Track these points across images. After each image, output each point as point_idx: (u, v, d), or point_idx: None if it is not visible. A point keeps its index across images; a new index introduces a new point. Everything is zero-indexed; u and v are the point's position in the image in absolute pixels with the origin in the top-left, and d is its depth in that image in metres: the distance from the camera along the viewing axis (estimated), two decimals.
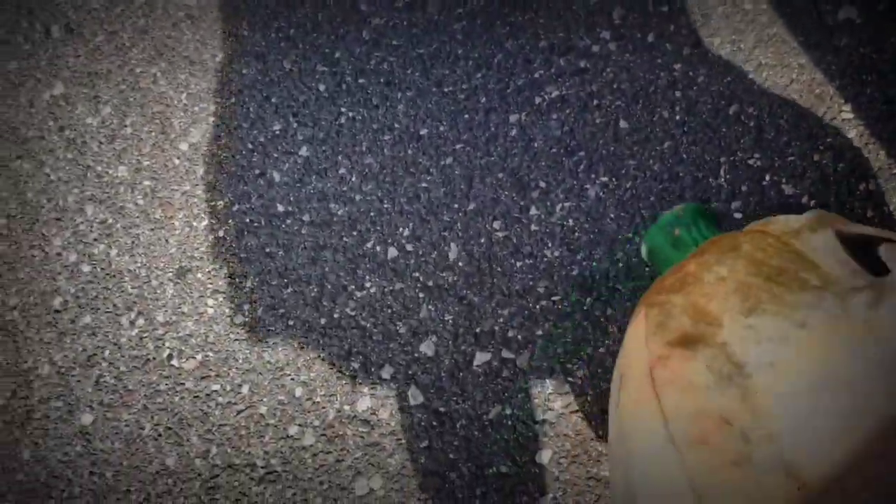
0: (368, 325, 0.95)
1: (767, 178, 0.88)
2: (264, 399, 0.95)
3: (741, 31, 0.95)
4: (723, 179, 0.90)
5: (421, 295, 0.94)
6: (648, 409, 0.56)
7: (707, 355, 0.54)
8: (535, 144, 0.97)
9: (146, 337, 1.00)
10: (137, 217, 1.06)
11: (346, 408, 0.92)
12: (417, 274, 0.95)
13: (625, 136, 0.95)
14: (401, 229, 0.97)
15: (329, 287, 0.97)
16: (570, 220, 0.93)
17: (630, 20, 0.98)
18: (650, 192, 0.92)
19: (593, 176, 0.94)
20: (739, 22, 0.95)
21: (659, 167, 0.93)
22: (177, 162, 1.08)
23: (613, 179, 0.93)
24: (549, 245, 0.93)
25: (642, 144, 0.94)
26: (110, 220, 1.07)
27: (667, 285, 0.63)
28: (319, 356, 0.95)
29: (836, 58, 0.91)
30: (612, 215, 0.92)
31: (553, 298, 0.91)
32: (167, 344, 0.99)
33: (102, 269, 1.04)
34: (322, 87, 1.06)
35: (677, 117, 0.94)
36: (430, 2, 1.06)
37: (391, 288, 0.95)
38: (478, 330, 0.91)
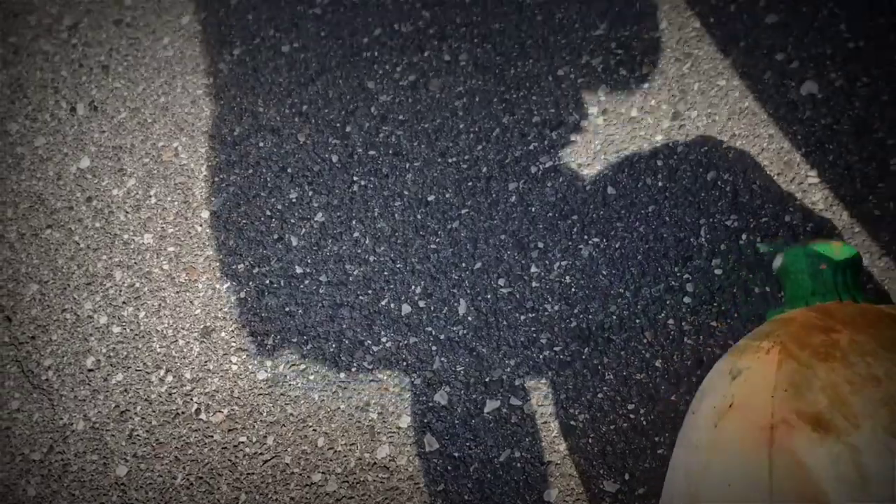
0: (385, 378, 1.03)
1: (744, 237, 0.99)
2: (289, 449, 1.02)
3: (716, 105, 1.06)
4: (703, 239, 1.00)
5: (434, 348, 1.03)
6: (755, 464, 0.55)
7: (835, 451, 0.52)
8: (533, 209, 1.06)
9: (175, 393, 1.07)
10: (163, 281, 1.14)
11: (366, 455, 1.00)
12: (430, 328, 1.04)
13: (612, 201, 1.05)
14: (413, 287, 1.06)
15: (347, 343, 1.05)
16: (567, 277, 1.02)
17: (614, 97, 1.10)
18: (637, 252, 1.02)
19: (586, 237, 1.04)
20: (714, 96, 1.07)
21: (644, 229, 1.03)
22: (199, 229, 1.16)
23: (604, 240, 1.03)
24: (550, 300, 1.02)
25: (628, 208, 1.04)
26: (138, 285, 1.14)
27: (812, 343, 0.61)
28: (340, 408, 1.03)
29: (802, 128, 1.02)
30: (604, 272, 1.02)
31: (555, 349, 1.00)
32: (195, 399, 1.06)
33: (132, 329, 1.12)
34: (335, 158, 1.16)
35: (660, 183, 1.04)
36: (432, 81, 1.16)
37: (406, 342, 1.04)
38: (487, 379, 1.00)
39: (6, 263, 1.19)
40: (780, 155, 1.02)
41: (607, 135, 1.08)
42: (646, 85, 1.09)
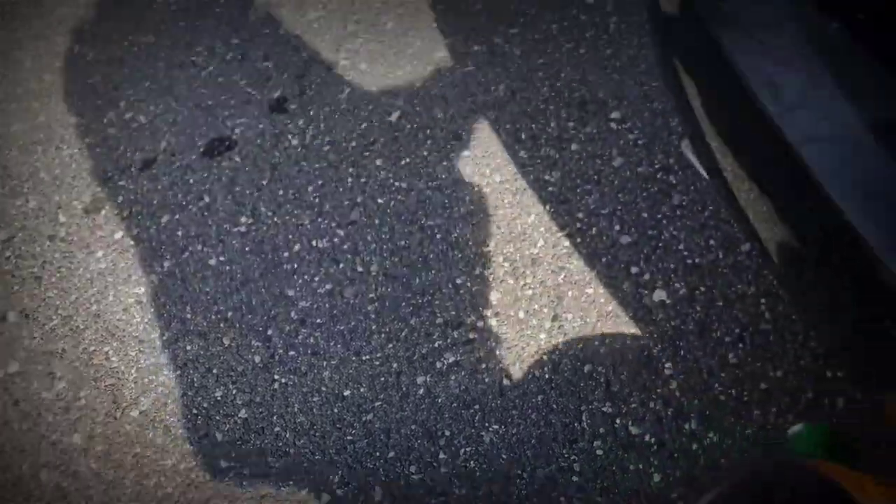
0: None
1: (618, 421, 1.16)
2: None
3: (586, 309, 1.27)
4: (585, 423, 1.17)
5: None
6: None
7: None
8: (440, 400, 1.21)
9: None
10: (91, 480, 1.20)
11: None
12: None
13: (508, 391, 1.21)
14: (331, 477, 1.17)
15: None
16: (472, 462, 1.16)
17: (504, 301, 1.29)
18: (531, 436, 1.17)
19: (486, 424, 1.19)
20: (584, 302, 1.28)
21: (535, 416, 1.19)
22: (128, 428, 1.24)
23: (502, 427, 1.18)
24: (457, 483, 1.15)
25: (521, 398, 1.21)
26: (64, 485, 1.19)
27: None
28: None
29: (656, 328, 1.23)
30: (504, 456, 1.16)
31: None
32: None
33: None
34: (257, 359, 1.28)
35: (546, 376, 1.22)
36: (346, 289, 1.33)
37: None
38: None
39: None
40: (642, 350, 1.22)
41: (500, 333, 1.26)
42: (529, 292, 1.29)
